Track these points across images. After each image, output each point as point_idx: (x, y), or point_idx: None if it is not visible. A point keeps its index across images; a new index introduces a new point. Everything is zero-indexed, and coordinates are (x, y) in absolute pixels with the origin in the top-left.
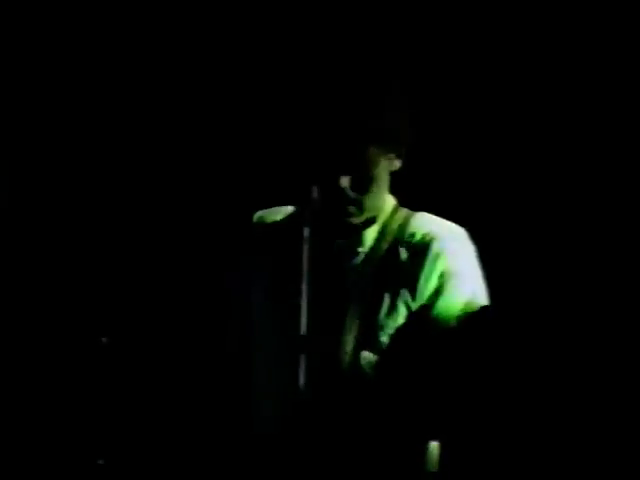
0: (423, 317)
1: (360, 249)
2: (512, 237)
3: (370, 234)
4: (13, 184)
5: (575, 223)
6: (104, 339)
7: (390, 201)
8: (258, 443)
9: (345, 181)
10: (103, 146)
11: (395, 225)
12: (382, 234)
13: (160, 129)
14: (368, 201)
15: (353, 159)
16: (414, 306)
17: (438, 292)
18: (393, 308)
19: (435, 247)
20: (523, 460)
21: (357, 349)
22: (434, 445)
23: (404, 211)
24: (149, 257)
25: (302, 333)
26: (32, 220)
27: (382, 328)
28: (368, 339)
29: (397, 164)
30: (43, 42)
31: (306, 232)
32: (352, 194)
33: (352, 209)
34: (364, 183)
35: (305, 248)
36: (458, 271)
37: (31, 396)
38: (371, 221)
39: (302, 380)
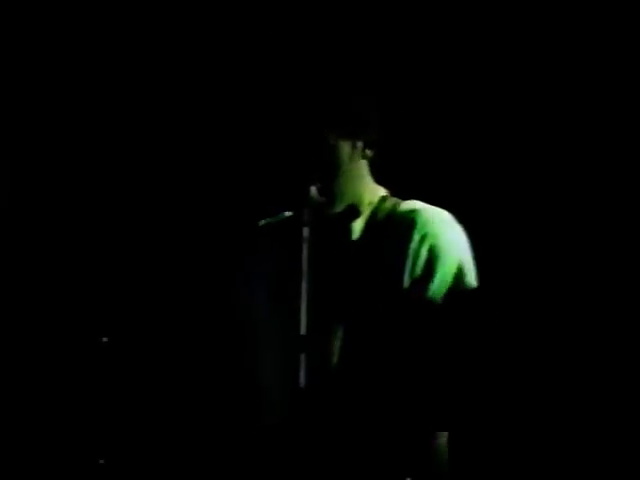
0: (413, 299)
1: (347, 242)
2: (504, 226)
3: (357, 226)
4: (14, 184)
5: (566, 213)
6: (104, 339)
7: (378, 192)
8: (266, 436)
9: (314, 190)
10: (104, 147)
11: (382, 215)
12: (369, 225)
13: (160, 128)
14: (337, 189)
15: (314, 144)
16: (403, 291)
17: (426, 275)
18: (383, 297)
19: (420, 231)
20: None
21: (348, 342)
22: (443, 440)
23: (393, 200)
24: (149, 256)
25: (302, 333)
26: (33, 220)
27: (372, 319)
28: (358, 331)
29: (368, 152)
30: (43, 42)
31: (305, 232)
32: (319, 199)
33: (323, 198)
34: (327, 171)
35: (304, 248)
36: (443, 251)
37: (32, 396)
38: (354, 212)
39: (302, 379)
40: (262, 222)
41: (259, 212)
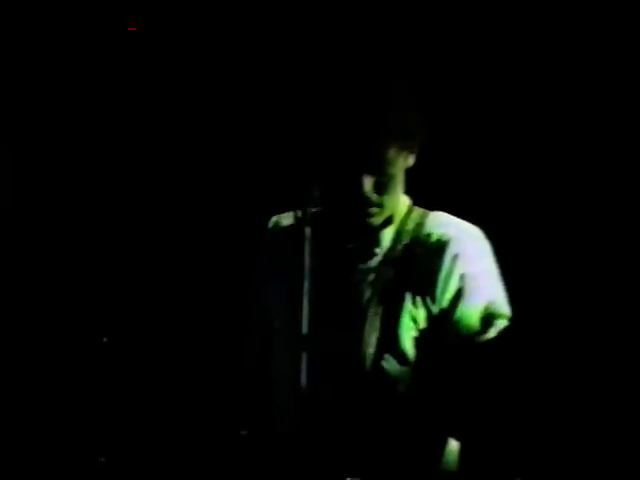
0: (444, 322)
1: (377, 250)
2: (524, 234)
3: (387, 235)
4: (16, 184)
5: (587, 221)
6: (105, 339)
7: (405, 201)
8: (278, 443)
9: (368, 185)
10: (108, 148)
11: (411, 225)
12: (399, 234)
13: (169, 128)
14: (387, 201)
15: (374, 159)
16: (433, 308)
17: (457, 297)
18: (413, 309)
19: (452, 249)
20: (538, 461)
21: (379, 350)
22: (454, 446)
23: (419, 210)
24: (151, 256)
25: (304, 332)
26: (35, 220)
27: (403, 329)
28: (390, 340)
29: (411, 161)
30: (44, 43)
31: (307, 232)
32: (374, 197)
33: (374, 210)
34: (384, 183)
35: (306, 247)
36: (475, 274)
37: (32, 395)
38: (388, 221)
39: (304, 379)
40: (274, 218)
41: (269, 212)
